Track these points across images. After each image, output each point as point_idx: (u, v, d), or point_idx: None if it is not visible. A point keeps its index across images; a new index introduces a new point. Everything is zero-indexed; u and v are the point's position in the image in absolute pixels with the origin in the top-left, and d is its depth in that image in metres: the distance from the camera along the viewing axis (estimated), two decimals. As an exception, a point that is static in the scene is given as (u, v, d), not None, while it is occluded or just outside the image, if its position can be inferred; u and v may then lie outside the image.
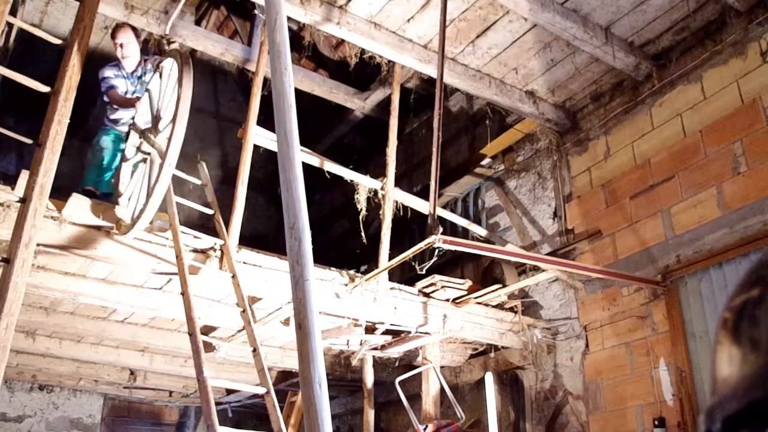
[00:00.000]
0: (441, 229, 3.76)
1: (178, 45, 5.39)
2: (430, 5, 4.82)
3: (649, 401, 4.75)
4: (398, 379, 5.71)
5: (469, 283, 5.34)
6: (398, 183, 5.58)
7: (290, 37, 2.64)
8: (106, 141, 4.99)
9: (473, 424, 6.00)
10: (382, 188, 5.35)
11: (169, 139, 3.57)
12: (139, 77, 4.99)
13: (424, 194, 5.32)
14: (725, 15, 4.81)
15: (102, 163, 4.87)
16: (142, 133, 4.02)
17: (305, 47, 6.52)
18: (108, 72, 4.99)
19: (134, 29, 5.06)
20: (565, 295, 5.71)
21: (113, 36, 4.99)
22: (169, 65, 4.00)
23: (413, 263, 4.90)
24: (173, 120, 3.60)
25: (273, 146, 4.74)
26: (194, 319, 3.53)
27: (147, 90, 4.26)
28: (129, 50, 4.94)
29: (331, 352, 6.21)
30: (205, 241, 4.21)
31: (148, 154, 3.97)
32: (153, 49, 5.90)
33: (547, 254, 5.70)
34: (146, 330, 5.68)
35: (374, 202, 5.40)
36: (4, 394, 7.93)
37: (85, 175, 4.90)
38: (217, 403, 7.52)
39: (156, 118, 3.99)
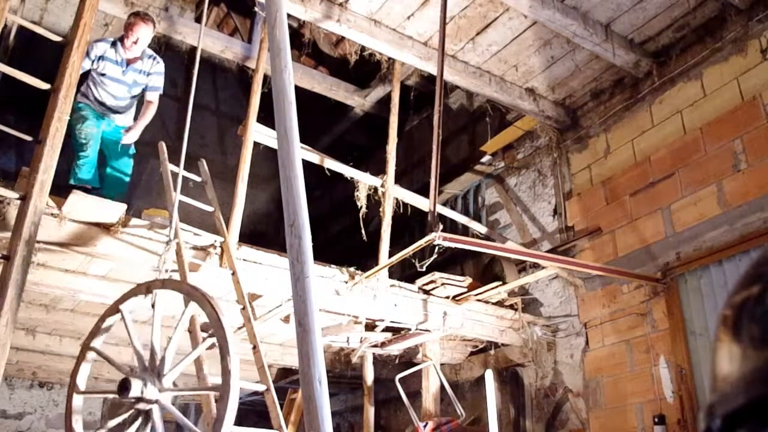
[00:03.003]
0: (441, 227, 3.76)
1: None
2: (430, 2, 4.81)
3: (649, 398, 4.75)
4: (398, 376, 5.72)
5: (469, 280, 5.34)
6: (398, 180, 5.58)
7: (290, 34, 2.64)
8: (89, 125, 4.60)
9: (473, 422, 6.01)
10: (382, 185, 5.35)
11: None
12: (136, 69, 4.81)
13: (424, 191, 5.31)
14: (725, 12, 4.80)
15: (89, 155, 4.58)
16: (138, 397, 3.08)
17: (305, 44, 6.51)
18: (98, 50, 4.65)
19: (154, 23, 4.83)
20: (565, 293, 5.71)
21: (133, 23, 4.67)
22: (161, 293, 3.28)
23: (413, 260, 4.90)
24: (225, 397, 2.78)
25: (273, 143, 4.74)
26: (194, 317, 3.53)
27: (123, 319, 3.40)
28: (140, 47, 4.75)
29: (331, 349, 6.22)
30: (205, 238, 4.21)
31: (146, 411, 3.10)
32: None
33: (547, 251, 5.70)
34: (146, 327, 5.67)
35: (374, 200, 5.40)
36: (4, 392, 7.93)
37: (74, 169, 4.53)
38: (218, 400, 7.50)
39: (154, 362, 3.22)
